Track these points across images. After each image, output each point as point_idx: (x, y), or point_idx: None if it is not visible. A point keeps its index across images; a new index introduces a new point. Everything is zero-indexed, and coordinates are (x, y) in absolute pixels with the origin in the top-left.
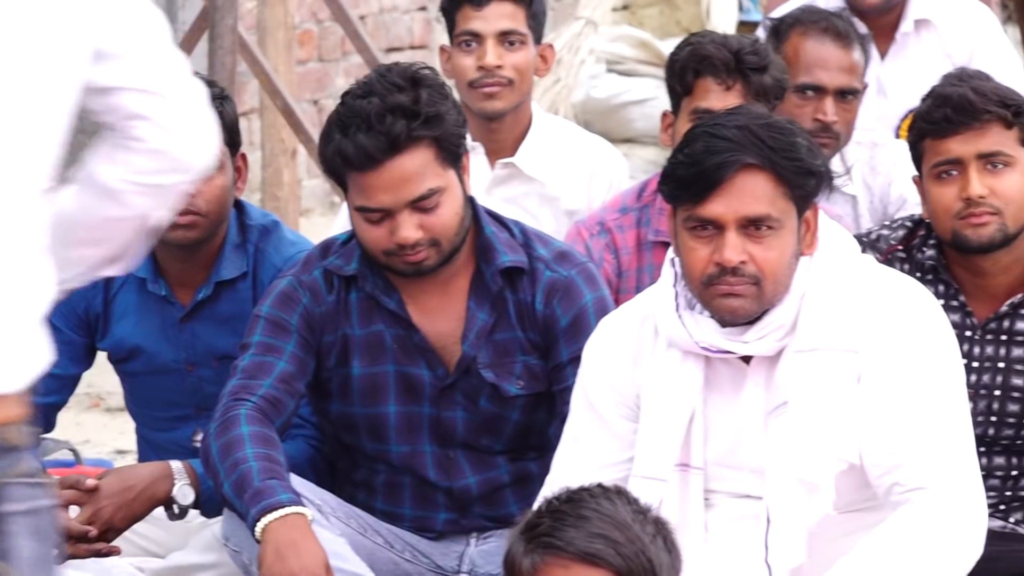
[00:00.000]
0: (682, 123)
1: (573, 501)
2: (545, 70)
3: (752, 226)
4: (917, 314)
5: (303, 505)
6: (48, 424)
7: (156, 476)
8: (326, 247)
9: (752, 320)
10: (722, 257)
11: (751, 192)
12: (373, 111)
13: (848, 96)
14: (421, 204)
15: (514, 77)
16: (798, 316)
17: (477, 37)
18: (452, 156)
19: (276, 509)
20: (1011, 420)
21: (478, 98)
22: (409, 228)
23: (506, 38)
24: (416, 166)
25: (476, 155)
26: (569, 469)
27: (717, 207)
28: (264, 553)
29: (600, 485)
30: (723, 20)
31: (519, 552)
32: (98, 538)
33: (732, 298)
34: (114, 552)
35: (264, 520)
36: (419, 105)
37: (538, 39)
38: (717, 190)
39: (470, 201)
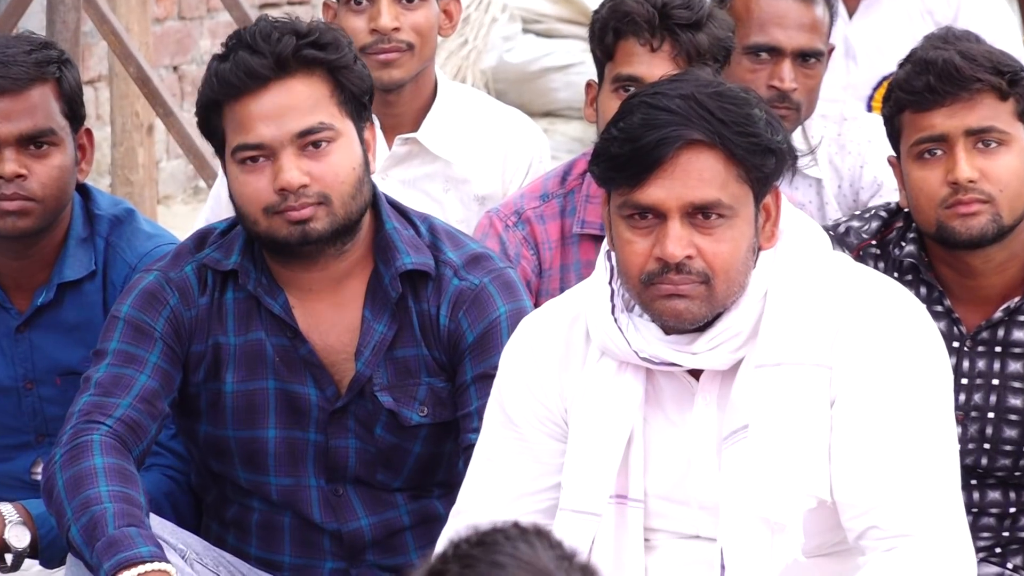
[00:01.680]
0: (605, 95)
1: (485, 545)
2: (451, 28)
3: (700, 214)
4: (901, 323)
5: (166, 560)
6: None
7: None
8: (202, 237)
9: (702, 327)
10: (664, 251)
11: (698, 174)
12: (259, 30)
13: (810, 59)
14: (309, 139)
15: (414, 40)
16: (759, 322)
17: None
18: (351, 104)
19: (134, 565)
20: (1008, 448)
21: (373, 66)
22: (292, 169)
23: None
24: (305, 94)
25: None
26: (480, 499)
27: (658, 192)
28: None
29: (517, 525)
30: None
31: None
32: None
33: (677, 299)
34: None
35: None
36: (313, 29)
37: None
38: (657, 171)
39: (372, 185)
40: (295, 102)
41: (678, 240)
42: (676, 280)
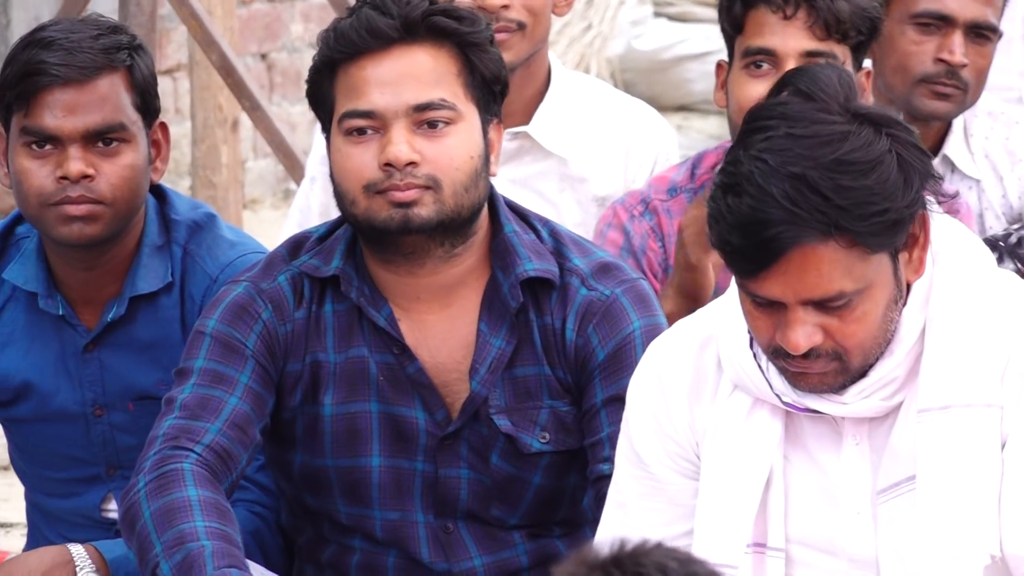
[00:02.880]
0: (736, 74)
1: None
2: (566, 7)
3: (824, 303)
4: None
5: None
6: None
7: (51, 565)
8: (296, 244)
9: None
10: (787, 341)
11: (815, 270)
12: None
13: (984, 32)
14: (426, 116)
15: (525, 19)
16: (917, 362)
17: None
18: (479, 89)
19: None
20: None
21: None
22: (403, 143)
23: None
24: (429, 66)
25: None
26: None
27: (774, 288)
28: None
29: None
30: None
31: None
32: None
33: (810, 376)
34: None
35: None
36: (444, 4)
37: None
38: (772, 268)
39: (490, 185)
40: (417, 72)
41: (801, 333)
42: (805, 364)
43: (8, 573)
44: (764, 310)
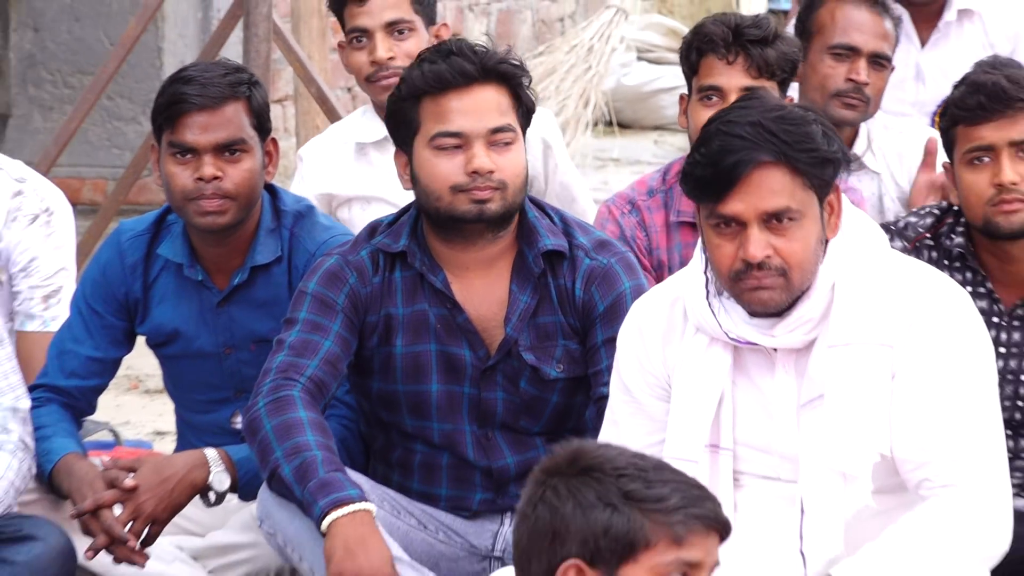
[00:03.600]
0: (694, 104)
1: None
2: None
3: (774, 219)
4: (950, 308)
5: (369, 501)
6: (89, 406)
7: (192, 465)
8: (373, 228)
9: (781, 311)
10: (747, 253)
11: (769, 187)
12: (465, 44)
13: (881, 61)
14: (499, 137)
15: (408, 65)
16: (828, 308)
17: (366, 32)
18: (525, 116)
19: (345, 504)
20: None
21: (377, 91)
22: (484, 157)
23: (394, 28)
24: (496, 100)
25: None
26: None
27: (737, 205)
28: (332, 548)
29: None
30: (752, 9)
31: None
32: (142, 532)
33: (761, 291)
34: (140, 561)
35: (333, 515)
36: (504, 52)
37: (430, 20)
38: (735, 189)
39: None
40: (490, 104)
41: (757, 243)
42: (759, 276)
43: (160, 468)
44: (727, 235)
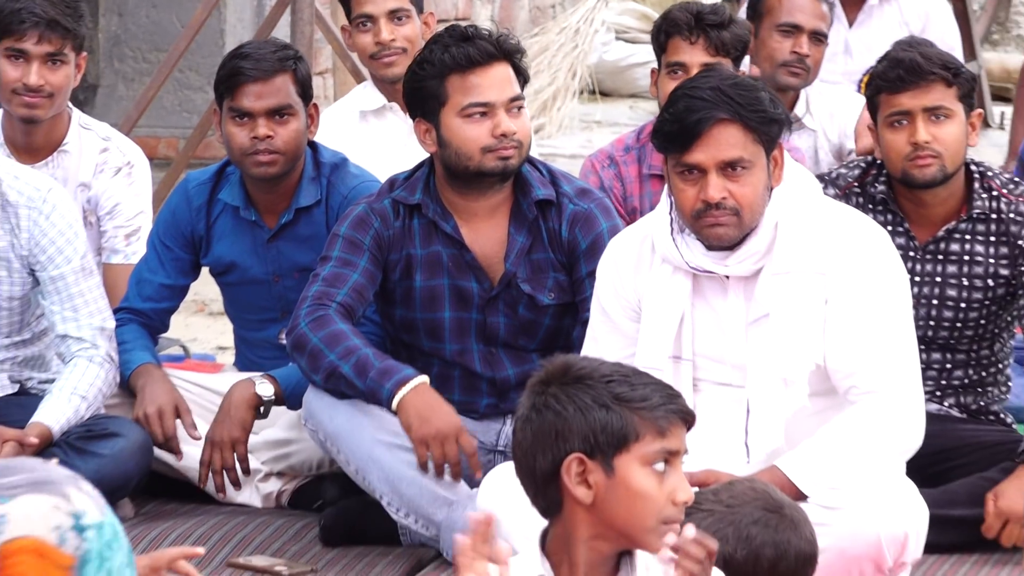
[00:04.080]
0: (662, 77)
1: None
2: (429, 32)
3: (729, 168)
4: (873, 244)
5: (422, 374)
6: (163, 326)
7: (240, 388)
8: (392, 183)
9: (733, 245)
10: (707, 195)
11: (726, 141)
12: (476, 29)
13: (820, 38)
14: (512, 105)
15: (407, 46)
16: (773, 243)
17: (371, 18)
18: (522, 82)
19: (407, 382)
20: (945, 324)
21: (380, 67)
22: (508, 123)
23: (395, 15)
24: (509, 75)
25: (395, 113)
26: None
27: (699, 155)
28: (408, 419)
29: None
30: None
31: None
32: (232, 460)
33: (718, 227)
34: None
35: (400, 394)
36: (505, 33)
37: (420, 9)
38: (697, 142)
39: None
40: (506, 77)
41: (716, 187)
42: (716, 215)
43: (220, 407)
44: (690, 180)
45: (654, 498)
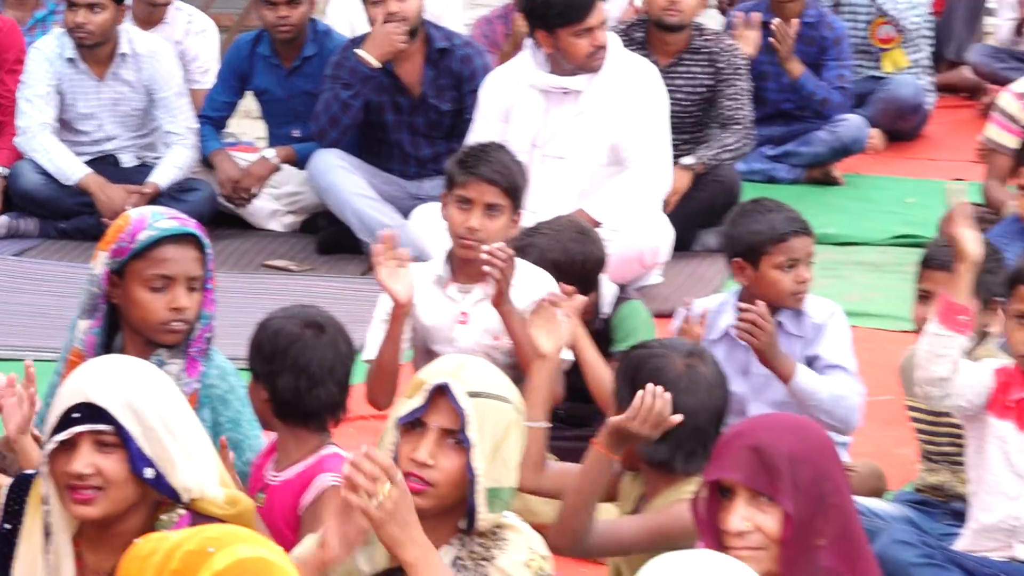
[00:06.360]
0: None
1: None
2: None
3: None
4: (649, 73)
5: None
6: (224, 125)
7: (256, 160)
8: (354, 42)
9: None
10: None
11: None
12: None
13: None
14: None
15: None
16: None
17: None
18: None
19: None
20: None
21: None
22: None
23: None
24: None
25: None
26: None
27: (594, 20)
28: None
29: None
30: None
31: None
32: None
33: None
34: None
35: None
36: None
37: None
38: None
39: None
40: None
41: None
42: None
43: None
44: (587, 37)
45: None
